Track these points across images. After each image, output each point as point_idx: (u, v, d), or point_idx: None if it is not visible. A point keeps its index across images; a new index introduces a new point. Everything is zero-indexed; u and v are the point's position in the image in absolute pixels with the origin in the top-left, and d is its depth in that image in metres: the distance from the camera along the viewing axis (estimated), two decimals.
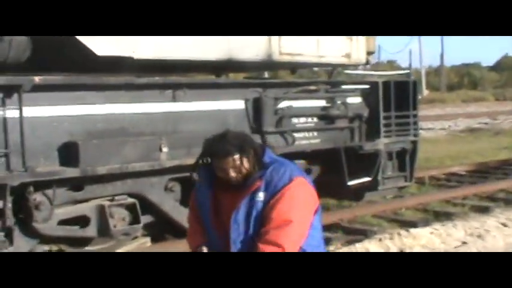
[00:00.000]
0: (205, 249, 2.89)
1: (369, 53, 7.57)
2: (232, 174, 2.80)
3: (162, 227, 6.18)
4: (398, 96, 7.45)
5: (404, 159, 7.72)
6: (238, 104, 6.28)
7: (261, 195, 2.77)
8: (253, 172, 2.81)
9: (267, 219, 2.74)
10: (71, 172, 5.06)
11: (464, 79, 58.23)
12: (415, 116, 7.75)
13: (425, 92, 32.60)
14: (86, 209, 5.42)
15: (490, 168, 11.17)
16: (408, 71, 11.67)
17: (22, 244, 5.10)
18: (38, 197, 5.06)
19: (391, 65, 46.78)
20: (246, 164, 2.80)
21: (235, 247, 2.77)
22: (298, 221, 2.75)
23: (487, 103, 36.67)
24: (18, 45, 5.01)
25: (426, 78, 42.94)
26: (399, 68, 39.97)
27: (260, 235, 2.73)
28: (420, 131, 8.63)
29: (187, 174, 5.79)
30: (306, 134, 6.78)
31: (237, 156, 2.77)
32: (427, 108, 25.01)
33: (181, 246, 5.94)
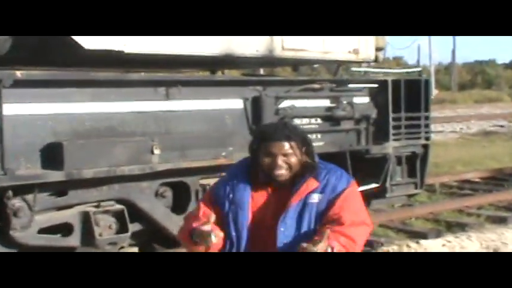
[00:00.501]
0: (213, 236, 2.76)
1: (378, 49, 7.55)
2: (281, 169, 2.77)
3: (151, 236, 6.15)
4: (409, 96, 7.45)
5: (415, 164, 7.71)
6: (237, 103, 6.26)
7: (315, 197, 2.77)
8: (304, 172, 2.80)
9: (333, 220, 2.73)
10: (55, 176, 5.02)
11: (478, 77, 58.41)
12: (427, 117, 7.75)
13: (435, 92, 32.64)
14: (69, 216, 5.37)
15: (506, 175, 11.17)
16: (420, 69, 11.68)
17: None
18: (17, 202, 5.01)
19: (398, 61, 46.88)
20: (298, 157, 2.78)
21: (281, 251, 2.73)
22: (368, 225, 2.84)
23: (502, 104, 36.69)
24: None
25: (436, 77, 43.02)
26: (406, 65, 40.05)
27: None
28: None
29: (181, 178, 5.80)
30: (309, 136, 6.76)
31: (294, 144, 2.77)
32: (436, 109, 25.02)
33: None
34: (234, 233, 2.80)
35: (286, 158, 2.77)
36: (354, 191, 2.83)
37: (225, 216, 2.84)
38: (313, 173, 2.80)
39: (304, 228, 2.74)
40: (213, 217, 2.76)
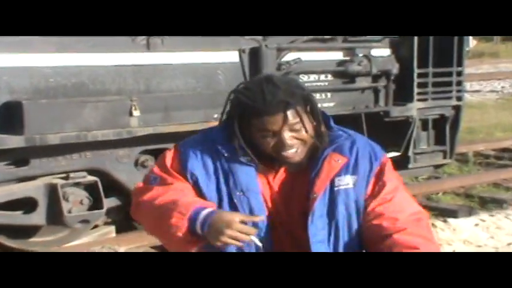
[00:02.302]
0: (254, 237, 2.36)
1: None
2: (292, 148, 2.36)
3: (129, 212, 6.17)
4: (438, 47, 7.40)
5: (444, 129, 7.69)
6: (231, 56, 6.22)
7: (347, 181, 2.40)
8: (322, 144, 2.42)
9: (382, 212, 2.38)
10: (13, 141, 5.01)
11: None
12: (459, 73, 7.70)
13: (472, 43, 32.46)
14: (32, 189, 5.39)
15: None
16: None
17: None
18: None
19: None
20: (309, 125, 2.38)
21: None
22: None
23: None
24: None
25: None
26: None
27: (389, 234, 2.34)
28: (464, 94, 8.59)
29: (164, 145, 5.79)
30: (318, 96, 6.72)
31: (299, 109, 2.33)
32: (473, 64, 24.92)
33: (153, 238, 5.95)
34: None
35: (295, 133, 2.35)
36: (390, 164, 2.51)
37: (223, 203, 2.44)
38: (332, 144, 2.43)
39: (343, 228, 2.40)
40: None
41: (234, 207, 2.39)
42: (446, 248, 5.94)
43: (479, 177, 8.85)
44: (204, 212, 2.32)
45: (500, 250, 5.97)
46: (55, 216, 5.43)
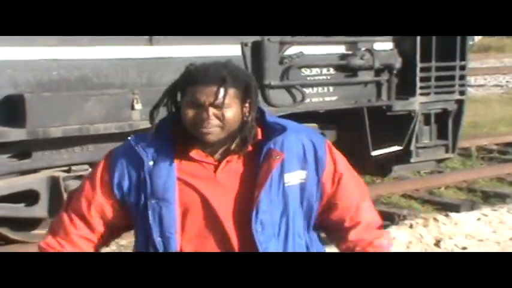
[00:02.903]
0: None
1: None
2: (210, 125, 2.30)
3: None
4: (441, 41, 7.41)
5: (446, 123, 7.71)
6: (233, 50, 6.23)
7: (298, 176, 2.39)
8: (248, 135, 2.37)
9: (343, 210, 2.46)
10: (15, 134, 5.06)
11: None
12: (463, 67, 7.71)
13: (477, 37, 32.38)
14: (35, 181, 5.43)
15: None
16: None
17: None
18: None
19: None
20: (236, 112, 2.34)
21: None
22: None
23: None
24: None
25: None
26: None
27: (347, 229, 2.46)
28: (468, 88, 8.61)
29: None
30: (320, 90, 6.76)
31: (232, 92, 2.31)
32: (478, 58, 24.84)
33: None
34: (158, 238, 2.36)
35: (218, 110, 2.30)
36: (333, 150, 2.49)
37: (139, 214, 2.40)
38: (270, 140, 2.38)
39: (293, 223, 2.41)
40: (107, 230, 2.46)
41: (145, 216, 2.38)
42: (448, 243, 5.96)
43: (482, 171, 8.88)
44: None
45: (503, 244, 6.00)
46: (57, 209, 5.42)
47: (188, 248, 2.39)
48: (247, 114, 2.38)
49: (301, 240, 2.45)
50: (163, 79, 5.83)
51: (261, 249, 2.34)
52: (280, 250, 2.38)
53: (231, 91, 2.31)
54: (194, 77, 2.33)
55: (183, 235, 2.39)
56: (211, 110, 2.30)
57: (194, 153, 2.39)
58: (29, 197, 5.45)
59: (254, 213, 2.34)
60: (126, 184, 2.41)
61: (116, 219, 2.47)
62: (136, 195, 2.40)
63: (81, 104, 5.31)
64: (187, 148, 2.39)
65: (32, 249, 5.47)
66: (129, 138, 2.45)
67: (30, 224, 5.75)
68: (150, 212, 2.36)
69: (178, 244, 2.37)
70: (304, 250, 2.44)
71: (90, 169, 5.52)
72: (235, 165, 2.40)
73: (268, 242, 2.36)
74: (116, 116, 5.46)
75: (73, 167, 5.53)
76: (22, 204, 5.47)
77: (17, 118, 5.06)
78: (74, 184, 5.47)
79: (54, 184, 5.43)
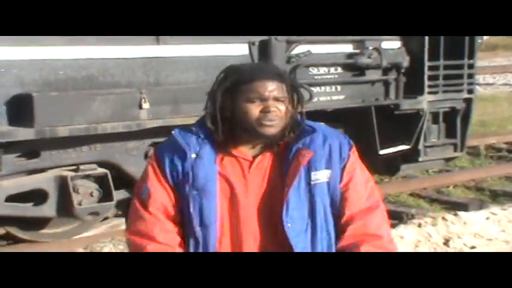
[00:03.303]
0: None
1: None
2: (275, 118, 2.43)
3: None
4: (449, 40, 7.40)
5: (455, 122, 7.71)
6: (241, 49, 6.25)
7: (322, 175, 2.49)
8: (291, 131, 2.51)
9: (346, 208, 2.53)
10: (24, 134, 5.07)
11: None
12: (471, 66, 7.71)
13: (485, 36, 32.23)
14: (43, 181, 5.45)
15: None
16: None
17: None
18: None
19: None
20: (289, 108, 2.48)
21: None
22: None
23: None
24: None
25: None
26: None
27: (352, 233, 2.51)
28: (476, 87, 8.59)
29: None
30: (327, 89, 6.77)
31: (285, 88, 2.47)
32: (486, 57, 24.78)
33: None
34: (198, 228, 2.47)
35: (278, 103, 2.45)
36: (356, 155, 2.60)
37: (185, 203, 2.50)
38: (300, 140, 2.51)
39: (320, 219, 2.50)
40: (179, 219, 2.52)
41: (187, 206, 2.48)
42: (456, 242, 5.96)
43: (490, 170, 8.86)
44: None
45: None
46: (65, 208, 5.48)
47: (225, 240, 2.49)
48: (293, 110, 2.52)
49: (330, 236, 2.53)
50: (170, 78, 5.85)
51: (292, 244, 2.44)
52: (309, 245, 2.48)
53: (285, 86, 2.47)
54: (249, 73, 2.46)
55: (221, 227, 2.49)
56: (273, 102, 2.43)
57: (234, 149, 2.51)
58: (37, 196, 5.47)
59: (284, 209, 2.44)
60: (175, 175, 2.51)
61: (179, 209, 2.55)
62: (182, 187, 2.49)
63: (89, 103, 5.32)
64: (227, 144, 2.51)
65: (40, 248, 5.54)
66: (173, 132, 2.55)
67: (39, 223, 5.77)
68: (191, 203, 2.46)
69: (217, 235, 2.48)
70: (333, 247, 2.53)
71: (99, 168, 5.59)
72: (267, 163, 2.51)
73: (298, 236, 2.46)
74: (124, 115, 5.47)
75: (81, 166, 5.54)
76: (30, 204, 5.49)
77: (24, 117, 5.08)
78: (81, 183, 5.50)
79: (62, 183, 5.44)
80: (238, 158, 2.50)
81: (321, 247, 2.50)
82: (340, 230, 2.54)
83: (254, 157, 2.51)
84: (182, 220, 2.54)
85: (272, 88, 2.43)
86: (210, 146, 2.50)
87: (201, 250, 2.47)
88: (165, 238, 2.50)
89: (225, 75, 2.52)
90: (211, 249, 2.47)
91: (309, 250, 2.48)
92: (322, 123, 2.64)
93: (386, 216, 2.63)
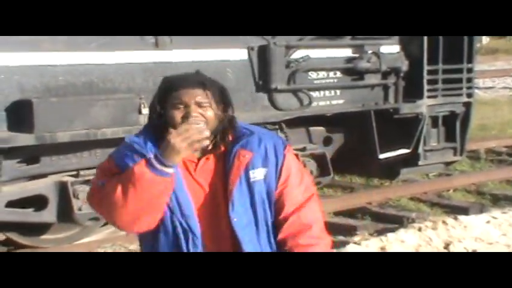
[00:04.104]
0: None
1: None
2: (197, 122, 2.59)
3: None
4: (448, 44, 7.43)
5: (454, 126, 7.74)
6: (240, 54, 6.28)
7: (259, 173, 2.69)
8: (225, 136, 2.70)
9: (285, 204, 2.72)
10: (24, 139, 5.09)
11: None
12: (470, 70, 7.74)
13: (486, 39, 32.38)
14: (43, 186, 5.47)
15: None
16: None
17: None
18: None
19: None
20: (215, 112, 2.65)
21: (247, 248, 2.66)
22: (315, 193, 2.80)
23: None
24: None
25: None
26: None
27: (287, 229, 2.70)
28: (476, 91, 8.61)
29: None
30: (327, 93, 6.78)
31: (209, 93, 2.64)
32: (486, 61, 24.79)
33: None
34: (181, 219, 2.64)
35: (202, 109, 2.63)
36: (291, 155, 2.78)
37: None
38: (239, 142, 2.70)
39: (260, 213, 2.71)
40: None
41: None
42: (457, 246, 5.97)
43: (491, 174, 8.85)
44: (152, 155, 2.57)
45: None
46: (65, 214, 5.49)
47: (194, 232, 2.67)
48: (223, 114, 2.70)
49: (268, 227, 2.74)
50: None
51: (239, 236, 2.66)
52: (254, 236, 2.71)
53: (210, 92, 2.65)
54: (176, 83, 2.67)
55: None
56: (196, 108, 2.62)
57: None
58: (37, 202, 5.48)
59: (230, 205, 2.65)
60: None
61: None
62: None
63: (88, 108, 5.34)
64: None
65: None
66: (126, 139, 2.71)
67: (39, 229, 5.78)
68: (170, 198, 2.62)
69: (198, 224, 2.66)
70: (271, 237, 2.75)
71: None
72: (210, 164, 2.71)
73: (244, 230, 2.68)
74: (123, 120, 5.49)
75: (81, 172, 5.56)
76: (31, 209, 5.50)
77: (24, 123, 5.10)
78: (82, 189, 5.51)
79: (62, 189, 5.46)
80: (184, 159, 2.64)
81: (263, 238, 2.72)
82: (279, 223, 2.72)
83: (199, 159, 2.69)
84: None
85: (194, 95, 2.62)
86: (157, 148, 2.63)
87: (190, 239, 2.64)
88: None
89: (159, 86, 2.73)
90: (199, 238, 2.65)
91: (255, 241, 2.69)
92: (257, 126, 2.85)
93: (319, 205, 2.81)
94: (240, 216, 2.67)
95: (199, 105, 2.62)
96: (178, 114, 2.61)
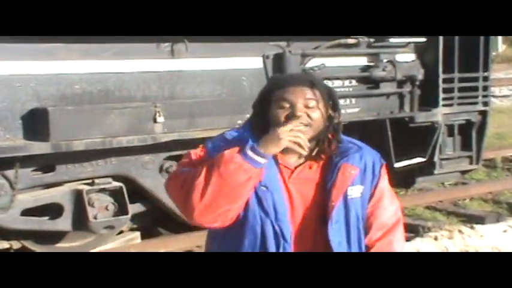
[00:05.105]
0: None
1: None
2: (301, 122, 2.46)
3: (155, 218, 6.24)
4: (463, 52, 7.39)
5: (470, 135, 7.69)
6: (255, 62, 6.27)
7: (357, 191, 2.55)
8: (329, 145, 2.56)
9: (372, 226, 2.60)
10: (39, 148, 5.09)
11: None
12: (486, 78, 7.69)
13: (502, 47, 32.28)
14: (58, 195, 5.47)
15: None
16: None
17: None
18: None
19: None
20: (323, 114, 2.51)
21: None
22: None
23: None
24: None
25: None
26: None
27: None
28: (492, 99, 8.56)
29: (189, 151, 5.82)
30: (342, 102, 6.74)
31: (319, 94, 2.50)
32: (502, 69, 24.70)
33: (179, 243, 6.01)
34: (274, 222, 2.50)
35: (308, 109, 2.48)
36: (385, 175, 2.65)
37: (250, 199, 2.51)
38: (344, 156, 2.56)
39: (354, 231, 2.57)
40: None
41: (259, 200, 2.50)
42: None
43: (507, 182, 8.79)
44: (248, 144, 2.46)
45: None
46: (81, 222, 5.49)
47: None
48: (331, 116, 2.56)
49: (362, 248, 2.59)
50: (185, 92, 5.87)
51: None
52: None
53: (318, 93, 2.51)
54: (282, 81, 2.55)
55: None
56: (302, 107, 2.47)
57: (278, 157, 2.53)
58: (52, 210, 5.48)
59: (330, 223, 2.51)
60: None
61: None
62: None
63: (104, 117, 5.34)
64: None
65: None
66: (225, 133, 2.61)
67: (54, 237, 5.78)
68: (262, 197, 2.49)
69: (291, 229, 2.52)
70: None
71: (114, 182, 5.60)
72: (306, 173, 2.56)
73: (337, 248, 2.52)
74: (139, 128, 5.48)
75: (96, 180, 5.56)
76: (46, 218, 5.50)
77: (40, 131, 5.10)
78: (97, 197, 5.52)
79: (77, 197, 5.46)
80: (280, 165, 2.53)
81: None
82: (367, 245, 2.60)
83: (296, 167, 2.55)
84: None
85: (301, 94, 2.48)
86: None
87: (281, 245, 2.49)
88: None
89: (265, 84, 2.61)
90: (289, 244, 2.50)
91: None
92: (357, 140, 2.70)
93: (403, 231, 2.69)
94: (335, 235, 2.52)
95: (306, 105, 2.48)
96: (282, 113, 2.48)
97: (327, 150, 2.58)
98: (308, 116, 2.48)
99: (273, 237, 2.49)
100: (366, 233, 2.60)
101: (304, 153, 2.47)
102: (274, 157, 2.52)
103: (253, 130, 2.55)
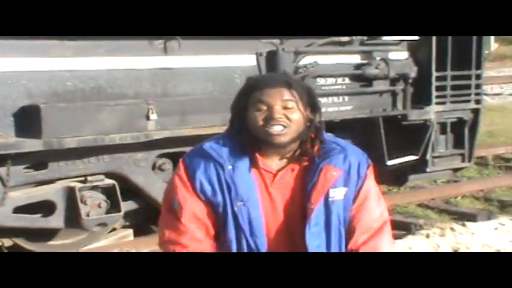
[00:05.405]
0: None
1: None
2: (279, 123, 2.41)
3: (148, 216, 6.22)
4: (456, 50, 7.40)
5: (462, 132, 7.71)
6: (248, 60, 6.25)
7: (339, 193, 2.50)
8: (311, 145, 2.50)
9: (356, 229, 2.54)
10: (31, 145, 5.06)
11: None
12: (478, 76, 7.71)
13: (494, 46, 32.34)
14: (50, 192, 5.44)
15: None
16: None
17: None
18: None
19: None
20: (302, 115, 2.46)
21: None
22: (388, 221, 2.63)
23: None
24: None
25: None
26: None
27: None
28: (484, 97, 8.57)
29: (181, 149, 5.82)
30: (335, 99, 6.76)
31: (296, 94, 2.44)
32: (495, 67, 24.79)
33: None
34: (249, 238, 2.48)
35: (286, 111, 2.43)
36: (372, 175, 2.59)
37: (224, 216, 2.51)
38: (326, 157, 2.50)
39: (334, 235, 2.52)
40: (211, 229, 2.51)
41: (235, 216, 2.48)
42: (464, 251, 5.94)
43: (499, 180, 8.81)
44: None
45: None
46: (73, 220, 5.47)
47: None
48: (311, 118, 2.49)
49: (343, 250, 2.55)
50: (178, 89, 5.85)
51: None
52: None
53: (296, 93, 2.44)
54: (260, 82, 2.49)
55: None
56: (280, 109, 2.42)
57: (260, 161, 2.51)
58: (45, 207, 5.46)
59: (307, 225, 2.47)
60: (207, 186, 2.50)
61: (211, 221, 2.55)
62: (220, 198, 2.49)
63: (96, 114, 5.31)
64: (254, 155, 2.51)
65: None
66: (203, 146, 2.55)
67: (46, 235, 5.76)
68: (238, 213, 2.47)
69: (266, 245, 2.50)
70: None
71: (107, 179, 5.59)
72: (289, 177, 2.51)
73: (317, 250, 2.48)
74: (131, 126, 5.46)
75: (89, 178, 5.53)
76: (38, 215, 5.47)
77: (32, 129, 5.08)
78: (89, 194, 5.50)
79: (70, 195, 5.44)
80: (262, 170, 2.50)
81: None
82: (352, 249, 2.54)
83: (278, 170, 2.51)
84: (216, 229, 2.54)
85: (278, 95, 2.43)
86: (243, 157, 2.49)
87: None
88: (197, 248, 2.49)
89: (242, 86, 2.56)
90: None
91: None
92: (343, 140, 2.64)
93: (391, 233, 2.64)
94: (314, 238, 2.48)
95: (284, 106, 2.43)
96: (260, 116, 2.44)
97: (309, 151, 2.52)
98: (287, 117, 2.43)
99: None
100: (350, 236, 2.54)
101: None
102: (255, 162, 2.49)
103: (232, 135, 2.53)
